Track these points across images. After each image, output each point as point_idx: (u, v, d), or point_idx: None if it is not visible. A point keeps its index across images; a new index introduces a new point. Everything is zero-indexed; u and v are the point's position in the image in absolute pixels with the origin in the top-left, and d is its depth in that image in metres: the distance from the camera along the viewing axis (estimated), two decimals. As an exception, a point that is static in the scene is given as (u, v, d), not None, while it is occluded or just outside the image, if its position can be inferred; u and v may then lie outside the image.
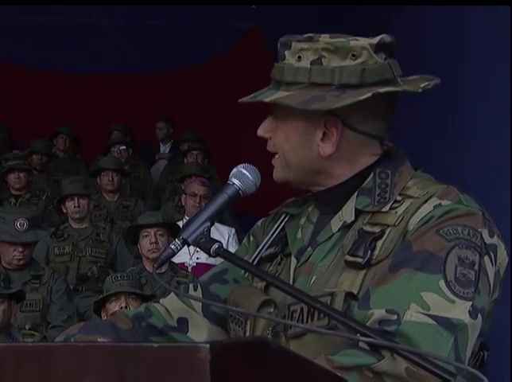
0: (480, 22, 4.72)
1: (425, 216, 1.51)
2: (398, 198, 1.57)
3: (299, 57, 1.59)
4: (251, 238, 1.80)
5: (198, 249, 1.57)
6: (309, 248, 1.64)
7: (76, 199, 5.86)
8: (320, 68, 1.57)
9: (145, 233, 5.28)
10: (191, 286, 1.81)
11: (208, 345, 1.01)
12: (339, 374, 1.33)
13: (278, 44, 1.62)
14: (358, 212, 1.59)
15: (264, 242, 1.73)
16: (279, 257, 1.69)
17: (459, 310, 1.44)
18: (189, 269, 5.78)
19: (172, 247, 1.54)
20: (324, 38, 1.58)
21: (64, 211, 5.99)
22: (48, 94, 8.58)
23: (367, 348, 1.41)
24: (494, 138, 4.56)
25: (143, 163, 8.05)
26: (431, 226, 1.50)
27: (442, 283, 1.45)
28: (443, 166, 5.16)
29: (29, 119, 8.55)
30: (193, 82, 8.45)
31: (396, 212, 1.55)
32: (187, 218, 6.00)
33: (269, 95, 1.60)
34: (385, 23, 5.67)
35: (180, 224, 5.46)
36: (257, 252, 1.72)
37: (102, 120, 8.32)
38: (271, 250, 1.71)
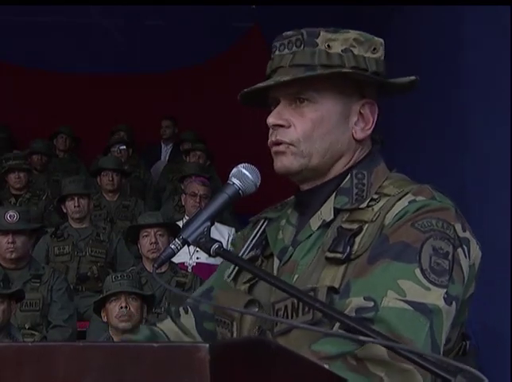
0: (480, 22, 4.72)
1: (400, 211, 1.57)
2: (375, 196, 1.63)
3: (328, 46, 1.65)
4: (231, 248, 1.84)
5: (198, 249, 1.58)
6: (290, 248, 1.67)
7: (76, 199, 5.87)
8: (352, 55, 1.65)
9: (145, 233, 5.28)
10: (181, 309, 1.85)
11: (208, 345, 1.00)
12: (326, 366, 1.35)
13: (304, 33, 1.65)
14: (337, 211, 1.64)
15: (245, 247, 1.76)
16: (260, 259, 1.72)
17: (434, 296, 1.48)
18: (189, 269, 5.78)
19: (172, 246, 1.55)
20: (352, 30, 1.67)
21: (64, 211, 6.00)
22: (48, 94, 8.57)
23: (346, 334, 1.43)
24: (494, 138, 4.56)
25: (143, 163, 8.04)
26: (406, 220, 1.55)
27: (418, 272, 1.49)
28: (443, 166, 5.16)
29: (29, 119, 8.55)
30: (193, 82, 8.45)
31: (373, 209, 1.60)
32: (187, 218, 6.00)
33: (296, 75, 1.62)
34: (385, 23, 5.68)
35: (180, 224, 5.46)
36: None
37: (102, 120, 8.32)
38: (252, 253, 1.74)
